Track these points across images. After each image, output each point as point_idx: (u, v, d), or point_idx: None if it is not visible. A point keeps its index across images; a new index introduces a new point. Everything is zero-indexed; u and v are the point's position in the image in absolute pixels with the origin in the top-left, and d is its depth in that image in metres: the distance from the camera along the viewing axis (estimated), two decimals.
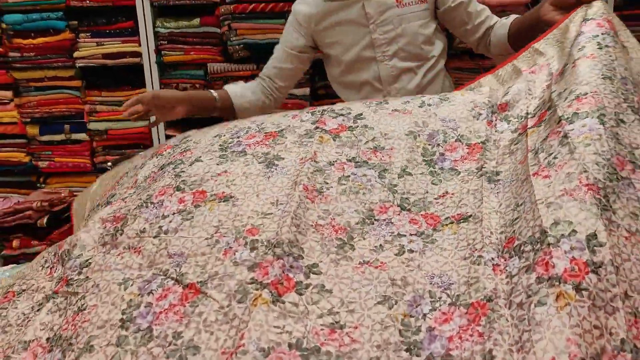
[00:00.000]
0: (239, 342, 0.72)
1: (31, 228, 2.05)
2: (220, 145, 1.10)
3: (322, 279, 0.81)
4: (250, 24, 2.43)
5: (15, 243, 2.07)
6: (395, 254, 0.86)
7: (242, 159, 1.04)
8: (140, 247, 0.92)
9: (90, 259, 0.94)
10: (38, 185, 2.75)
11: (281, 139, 1.09)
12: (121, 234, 0.96)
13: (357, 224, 0.91)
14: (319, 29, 1.61)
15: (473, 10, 1.56)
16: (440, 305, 0.78)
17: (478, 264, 0.81)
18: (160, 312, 0.79)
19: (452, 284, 0.80)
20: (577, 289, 0.68)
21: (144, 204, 1.00)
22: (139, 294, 0.83)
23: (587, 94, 0.92)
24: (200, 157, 1.08)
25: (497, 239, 0.84)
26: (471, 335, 0.72)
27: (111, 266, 0.90)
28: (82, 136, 2.69)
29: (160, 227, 0.94)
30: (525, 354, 0.66)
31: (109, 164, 1.79)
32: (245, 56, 2.47)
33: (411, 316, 0.77)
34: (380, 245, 0.88)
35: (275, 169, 1.01)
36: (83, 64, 2.57)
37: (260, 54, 2.46)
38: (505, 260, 0.80)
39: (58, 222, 2.05)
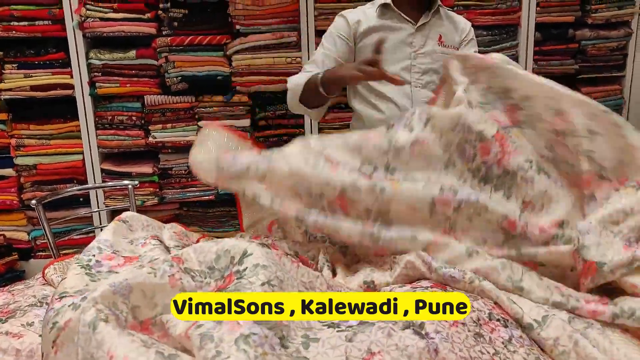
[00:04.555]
0: None
1: None
2: None
3: None
4: (188, 56, 2.41)
5: None
6: None
7: None
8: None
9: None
10: None
11: None
12: None
13: None
14: (365, 36, 1.67)
15: None
16: None
17: None
18: None
19: None
20: None
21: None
22: None
23: None
24: None
25: None
26: None
27: None
28: (9, 172, 2.55)
29: None
30: None
31: (33, 202, 1.70)
32: (183, 88, 2.45)
33: None
34: None
35: None
36: (9, 96, 2.46)
37: (198, 85, 2.46)
38: None
39: None
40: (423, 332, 0.75)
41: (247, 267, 0.84)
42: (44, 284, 1.02)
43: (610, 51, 2.54)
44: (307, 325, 0.80)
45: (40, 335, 0.84)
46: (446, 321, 0.75)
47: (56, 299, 0.82)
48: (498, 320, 0.80)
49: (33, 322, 0.88)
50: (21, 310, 0.91)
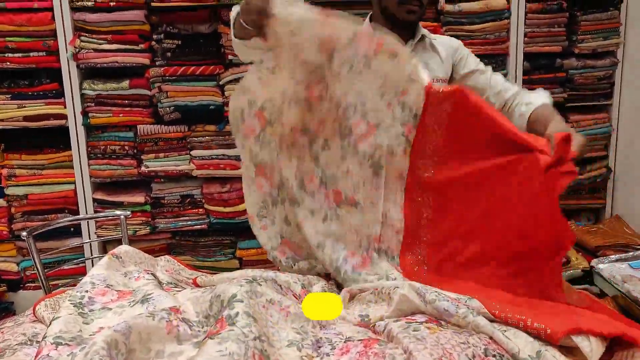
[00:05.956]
0: None
1: None
2: None
3: None
4: (181, 86, 2.43)
5: None
6: None
7: None
8: None
9: None
10: None
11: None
12: None
13: None
14: None
15: (486, 80, 1.62)
16: None
17: None
18: None
19: None
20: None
21: None
22: None
23: None
24: None
25: None
26: None
27: None
28: None
29: None
30: None
31: (24, 234, 1.69)
32: (176, 118, 2.46)
33: None
34: None
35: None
36: (1, 126, 2.45)
37: (191, 115, 2.47)
38: None
39: None
40: None
41: (238, 312, 0.85)
42: (34, 321, 1.00)
43: (597, 80, 2.59)
44: None
45: None
46: None
47: (51, 343, 0.82)
48: (494, 356, 0.80)
49: None
50: (11, 349, 0.89)
